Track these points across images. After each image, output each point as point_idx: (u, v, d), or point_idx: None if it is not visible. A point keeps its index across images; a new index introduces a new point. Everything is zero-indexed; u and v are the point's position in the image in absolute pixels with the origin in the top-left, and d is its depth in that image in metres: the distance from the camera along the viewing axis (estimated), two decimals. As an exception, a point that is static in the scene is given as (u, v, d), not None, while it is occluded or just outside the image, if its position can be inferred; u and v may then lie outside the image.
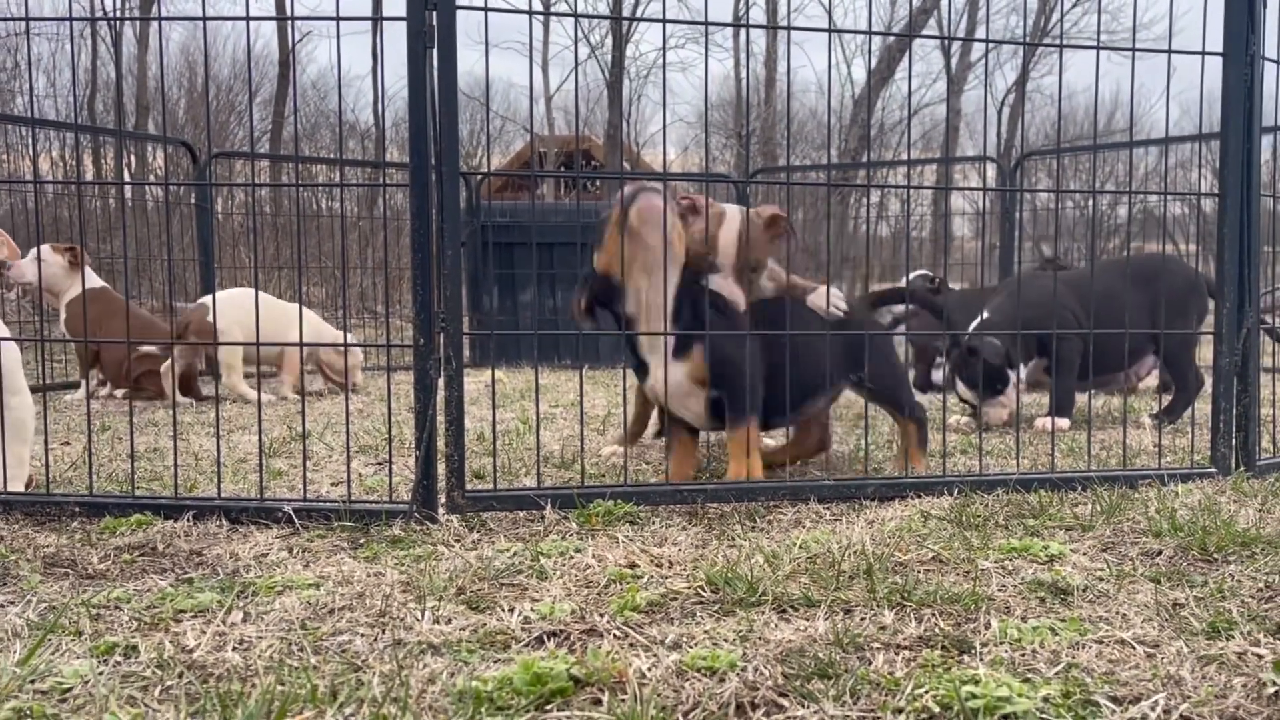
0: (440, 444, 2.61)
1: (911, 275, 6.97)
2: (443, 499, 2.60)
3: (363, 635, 1.71)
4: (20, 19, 2.93)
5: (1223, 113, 3.06)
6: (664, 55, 2.97)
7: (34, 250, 5.01)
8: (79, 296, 5.30)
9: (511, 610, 1.83)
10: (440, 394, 2.59)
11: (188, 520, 2.53)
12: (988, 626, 1.73)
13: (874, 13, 20.41)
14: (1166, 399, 4.45)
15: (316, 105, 21.24)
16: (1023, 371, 4.28)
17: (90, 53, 16.92)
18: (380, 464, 3.41)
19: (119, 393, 5.38)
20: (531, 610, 1.83)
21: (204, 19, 2.77)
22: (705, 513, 2.67)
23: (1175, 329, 4.31)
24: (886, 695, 1.44)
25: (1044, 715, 1.35)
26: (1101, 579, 2.02)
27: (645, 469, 3.36)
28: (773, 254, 3.16)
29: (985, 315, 4.46)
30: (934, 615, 1.80)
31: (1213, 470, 3.06)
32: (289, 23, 17.66)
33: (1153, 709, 1.38)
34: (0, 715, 1.37)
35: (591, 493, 2.68)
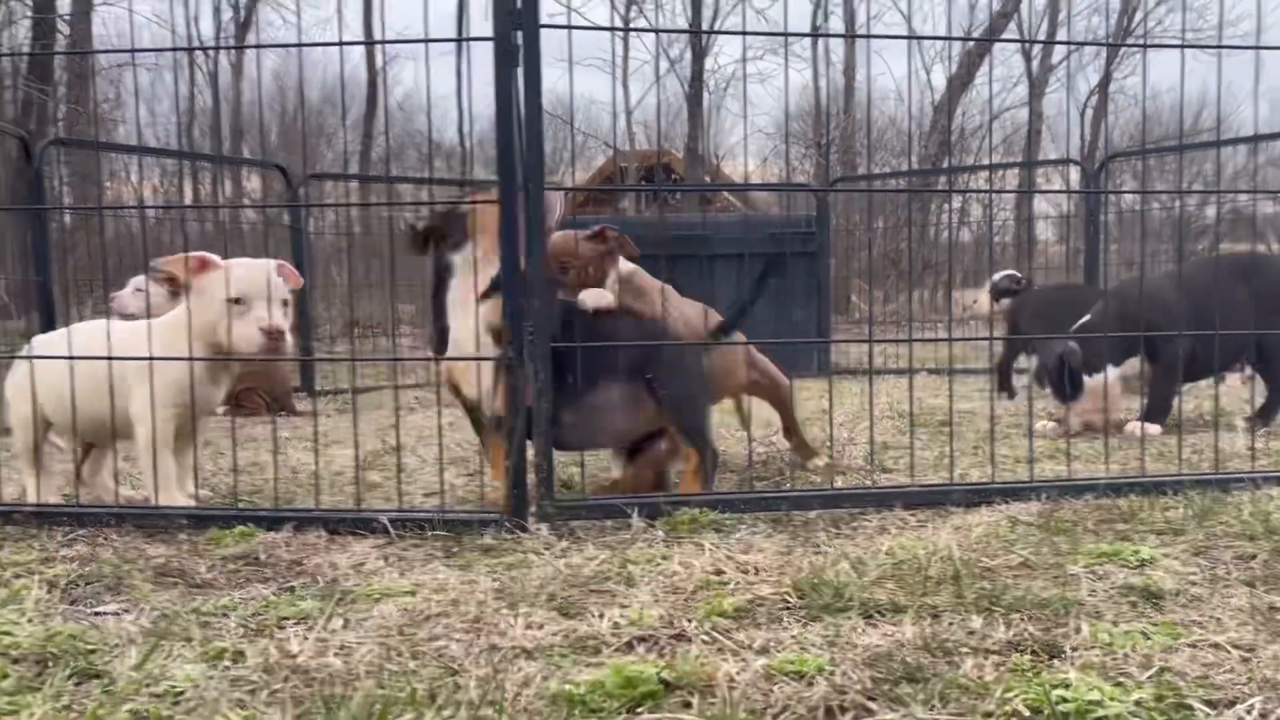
0: (529, 454, 2.66)
1: (997, 276, 6.88)
2: (533, 508, 2.65)
3: (458, 641, 1.76)
4: (125, 50, 3.07)
5: (1316, 108, 2.99)
6: (744, 67, 3.00)
7: (134, 280, 5.20)
8: None
9: (601, 616, 1.87)
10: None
11: (288, 531, 2.61)
12: (1078, 631, 1.72)
13: (953, 18, 20.16)
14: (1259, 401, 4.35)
15: (403, 126, 21.65)
16: (1113, 374, 4.20)
17: (188, 81, 17.48)
18: (471, 475, 3.48)
19: (220, 410, 5.54)
20: (621, 616, 1.86)
21: (299, 45, 2.87)
22: (789, 520, 2.69)
23: (1273, 329, 4.20)
24: (976, 699, 1.44)
25: (1136, 719, 1.35)
26: (1194, 583, 1.99)
27: (730, 477, 3.38)
28: (604, 262, 3.28)
29: (1088, 317, 4.40)
30: (1023, 620, 1.79)
31: (1311, 473, 2.98)
32: (378, 46, 18.04)
33: (1248, 713, 1.37)
34: (118, 717, 1.44)
35: (677, 501, 2.71)
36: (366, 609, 1.95)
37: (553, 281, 3.06)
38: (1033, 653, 1.63)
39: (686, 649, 1.69)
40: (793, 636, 1.74)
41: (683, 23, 20.62)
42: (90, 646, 1.73)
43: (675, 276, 3.40)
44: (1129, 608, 1.86)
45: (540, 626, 1.82)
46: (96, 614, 1.97)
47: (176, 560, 2.37)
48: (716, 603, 1.90)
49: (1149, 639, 1.67)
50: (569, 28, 2.75)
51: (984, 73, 19.05)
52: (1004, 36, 20.12)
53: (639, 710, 1.44)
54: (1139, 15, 20.85)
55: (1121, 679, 1.50)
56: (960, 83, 19.03)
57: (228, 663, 1.66)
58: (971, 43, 17.73)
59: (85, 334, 2.96)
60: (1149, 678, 1.51)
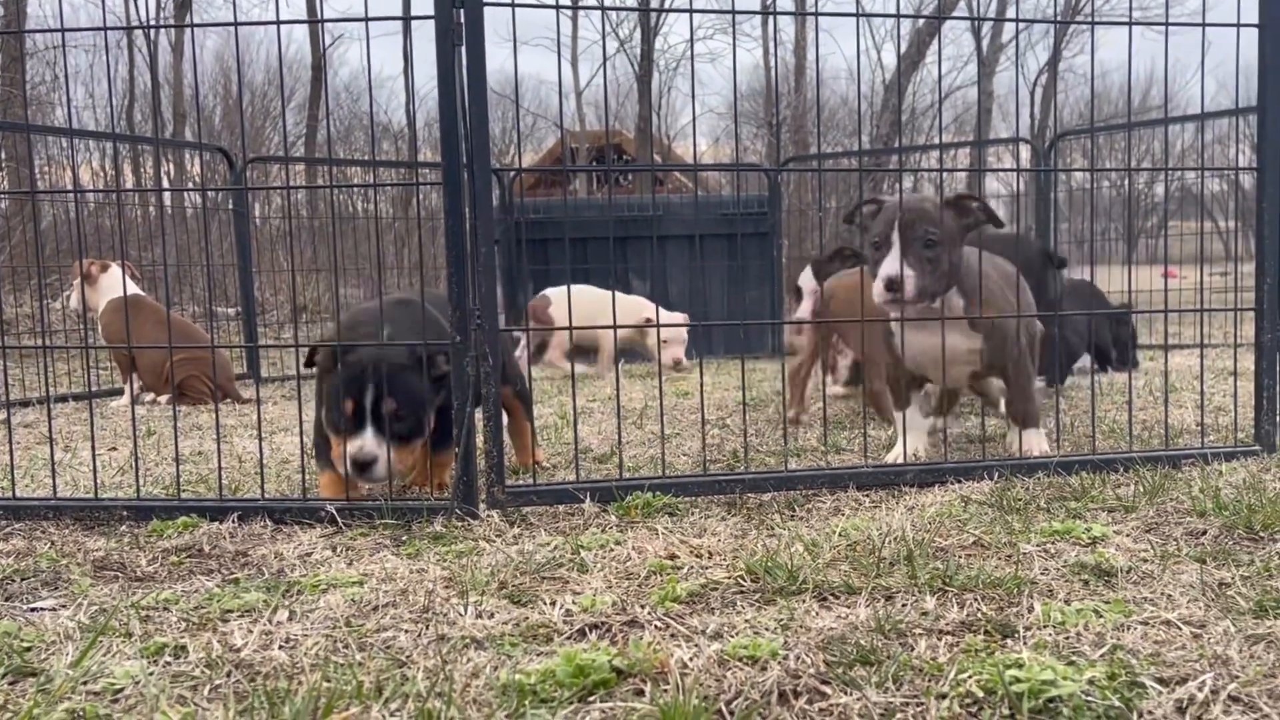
0: (479, 440, 2.63)
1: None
2: (483, 495, 2.63)
3: (406, 631, 1.73)
4: (56, 30, 2.98)
5: (1260, 85, 3.01)
6: (692, 46, 2.97)
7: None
8: (109, 305, 5.43)
9: (553, 603, 1.84)
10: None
11: (233, 522, 2.56)
12: (1031, 610, 1.72)
13: (903, -4, 20.26)
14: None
15: (350, 108, 21.43)
16: None
17: (127, 63, 17.13)
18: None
19: (163, 399, 5.45)
20: (573, 603, 1.84)
21: (235, 24, 2.80)
22: (744, 503, 2.67)
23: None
24: (929, 680, 1.44)
25: (1089, 698, 1.34)
26: (1145, 560, 2.00)
27: (684, 460, 3.36)
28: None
29: None
30: (976, 600, 1.79)
31: (1257, 448, 3.02)
32: (320, 27, 17.80)
33: (1200, 689, 1.37)
34: (54, 716, 1.40)
35: (630, 485, 2.69)
36: (313, 600, 1.92)
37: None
38: (986, 633, 1.63)
39: (639, 636, 1.67)
40: (746, 621, 1.73)
41: (631, 0, 20.53)
42: (26, 644, 1.69)
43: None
44: (1081, 586, 1.87)
45: (490, 615, 1.80)
46: (33, 610, 1.92)
47: (117, 553, 2.32)
48: (670, 588, 1.89)
49: (1101, 617, 1.67)
50: (513, 5, 2.69)
51: (934, 51, 19.15)
52: (954, 14, 20.22)
53: (590, 699, 1.42)
54: (1087, -7, 21.05)
55: (1074, 658, 1.50)
56: (910, 61, 19.13)
57: (169, 658, 1.63)
58: (921, 21, 17.80)
59: None
60: (1101, 656, 1.51)
